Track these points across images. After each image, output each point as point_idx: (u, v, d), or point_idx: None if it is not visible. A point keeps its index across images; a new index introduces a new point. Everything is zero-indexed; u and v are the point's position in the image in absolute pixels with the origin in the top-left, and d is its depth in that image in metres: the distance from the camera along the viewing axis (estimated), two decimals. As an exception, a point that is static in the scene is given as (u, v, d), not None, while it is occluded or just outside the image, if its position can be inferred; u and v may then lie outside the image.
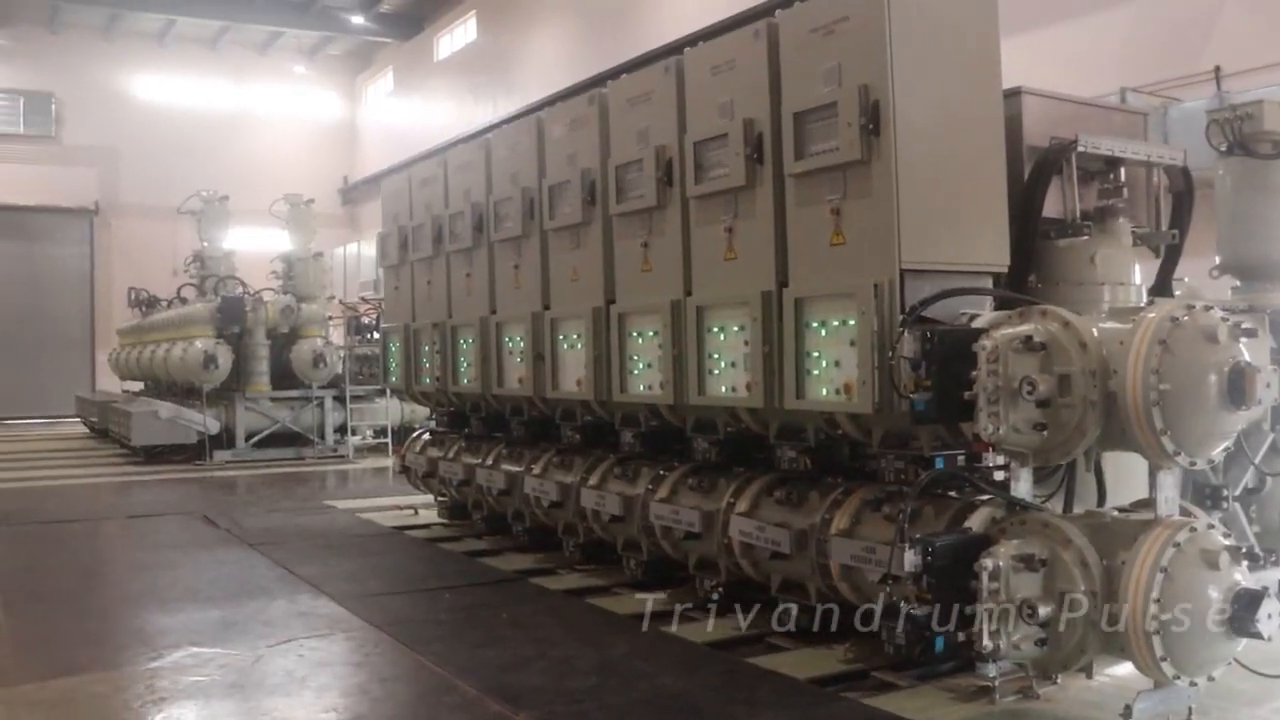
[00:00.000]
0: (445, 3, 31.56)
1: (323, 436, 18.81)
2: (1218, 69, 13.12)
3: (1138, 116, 7.05)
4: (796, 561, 6.30)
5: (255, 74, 36.05)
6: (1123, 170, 6.43)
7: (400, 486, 14.38)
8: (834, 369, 5.74)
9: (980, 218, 5.77)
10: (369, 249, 29.83)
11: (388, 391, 19.11)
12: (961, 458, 5.79)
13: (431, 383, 10.13)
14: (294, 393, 18.77)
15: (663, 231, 7.09)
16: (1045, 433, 4.76)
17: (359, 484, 15.46)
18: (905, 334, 5.13)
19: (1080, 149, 6.09)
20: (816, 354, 5.86)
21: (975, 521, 5.21)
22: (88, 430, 25.26)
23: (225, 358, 17.95)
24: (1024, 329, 4.85)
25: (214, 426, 18.00)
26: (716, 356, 6.61)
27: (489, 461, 9.76)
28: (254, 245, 26.81)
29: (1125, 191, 6.40)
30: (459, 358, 9.64)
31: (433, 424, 19.30)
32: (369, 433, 19.86)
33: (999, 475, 5.52)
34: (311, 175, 33.30)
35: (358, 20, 32.68)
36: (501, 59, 27.08)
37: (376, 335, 20.72)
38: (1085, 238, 6.15)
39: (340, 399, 18.99)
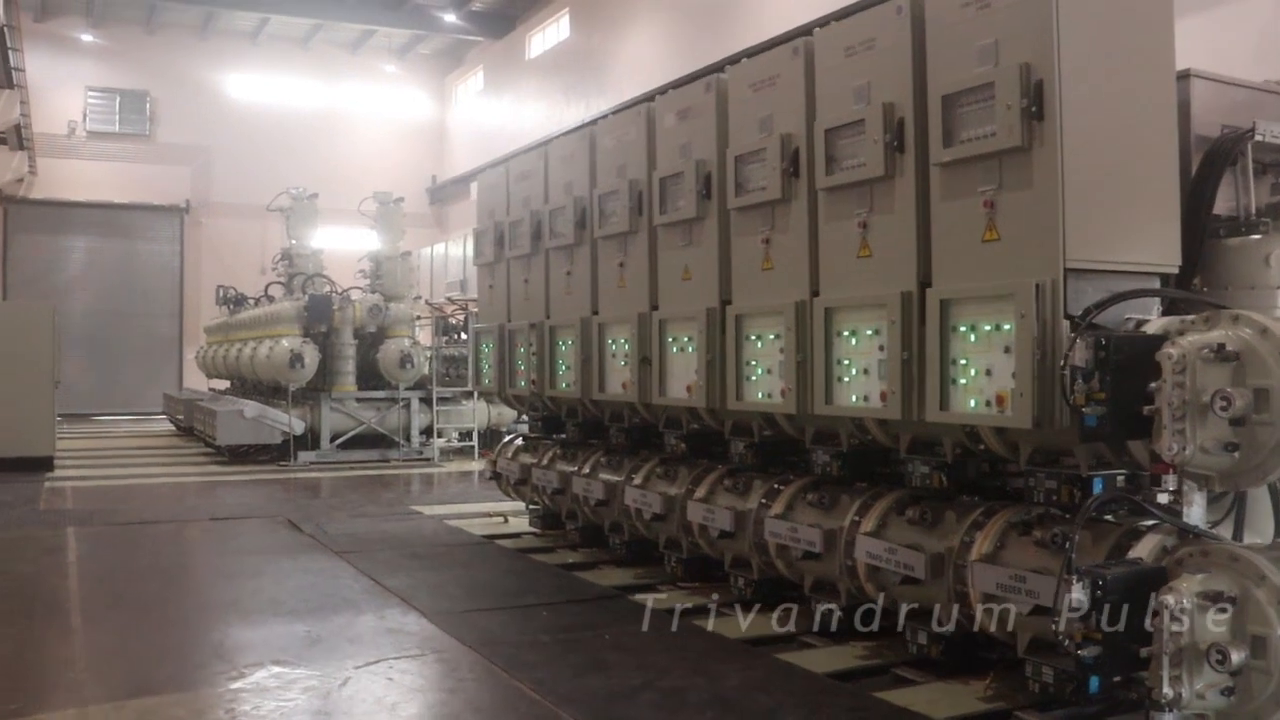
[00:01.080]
0: (537, 1, 31.28)
1: (408, 438, 18.50)
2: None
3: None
4: (929, 587, 5.70)
5: (346, 73, 36.13)
6: (1306, 163, 5.78)
7: (488, 492, 14.01)
8: (984, 378, 5.12)
9: (1150, 213, 5.13)
10: (456, 249, 29.63)
11: (476, 394, 18.78)
12: (1122, 478, 5.16)
13: (526, 386, 9.65)
14: (380, 394, 18.49)
15: (787, 227, 6.52)
16: (1237, 454, 4.14)
17: (445, 489, 15.08)
18: (1078, 340, 4.51)
19: (1257, 138, 5.44)
20: (964, 361, 5.23)
21: (1143, 551, 4.60)
22: (174, 428, 25.31)
23: (312, 357, 17.71)
24: (1214, 336, 4.22)
25: (299, 427, 17.77)
26: (846, 363, 6.01)
27: (586, 470, 9.27)
28: (342, 244, 26.80)
29: (1305, 186, 5.73)
30: (557, 360, 9.15)
31: (524, 428, 19.10)
32: (455, 435, 19.51)
33: (1162, 498, 4.89)
34: (400, 175, 33.30)
35: (449, 18, 32.55)
36: (594, 58, 26.67)
37: (464, 336, 20.49)
38: (1259, 237, 5.50)
39: (426, 400, 18.67)
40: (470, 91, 36.20)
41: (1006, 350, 5.01)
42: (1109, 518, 5.17)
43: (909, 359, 5.54)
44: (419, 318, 20.28)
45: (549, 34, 31.33)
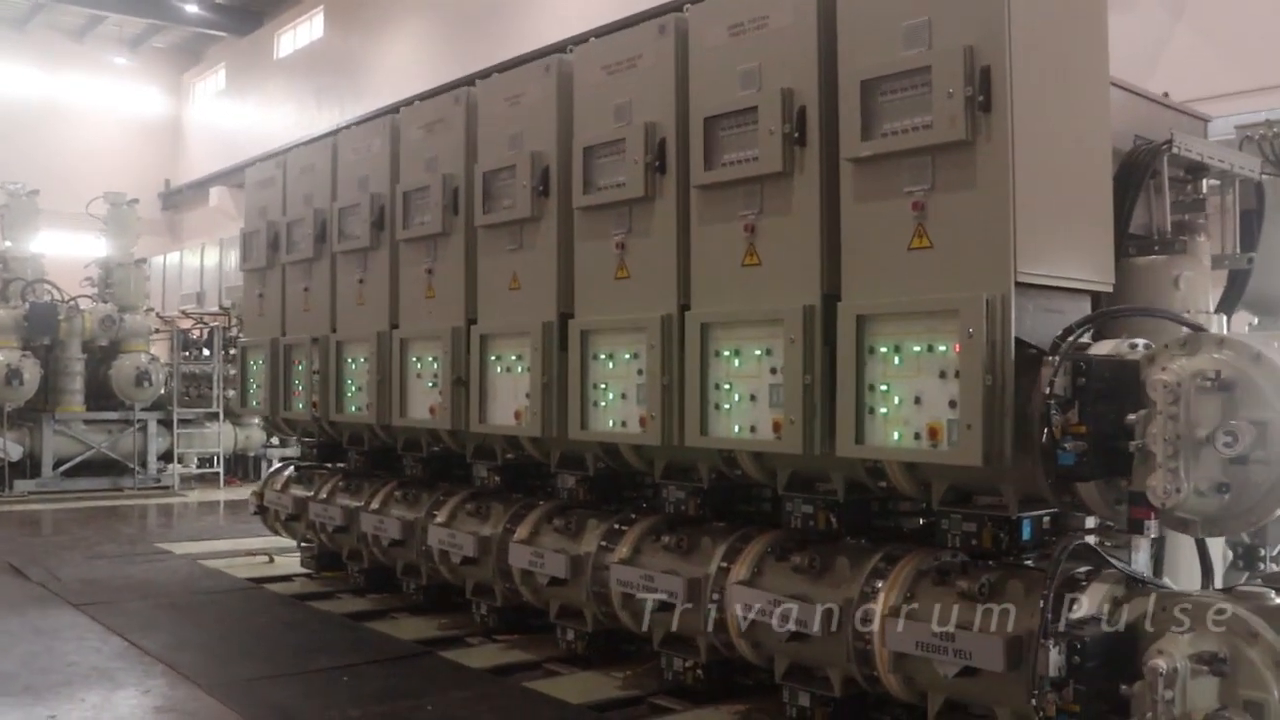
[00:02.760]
0: (288, -3, 29.46)
1: (144, 465, 16.62)
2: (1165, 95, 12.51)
3: (1199, 123, 6.07)
4: (823, 644, 4.98)
5: (70, 62, 32.99)
6: (1204, 182, 5.46)
7: (243, 526, 12.66)
8: (910, 407, 4.45)
9: (1088, 225, 4.62)
10: (193, 259, 27.50)
11: (221, 415, 17.13)
12: (1047, 519, 4.62)
13: (306, 409, 8.46)
14: (113, 414, 16.54)
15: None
16: (1227, 496, 3.63)
17: (192, 522, 13.48)
18: (1058, 364, 3.90)
19: (1174, 150, 5.06)
20: (885, 388, 4.55)
21: (1093, 604, 4.04)
22: None
23: (32, 372, 15.61)
24: (1202, 362, 3.70)
25: (15, 452, 15.64)
26: (728, 388, 5.25)
27: (376, 505, 8.18)
28: (62, 250, 24.16)
29: (1206, 205, 5.42)
30: (345, 380, 8.03)
31: (279, 452, 17.70)
32: (195, 461, 17.73)
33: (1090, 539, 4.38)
34: (129, 177, 30.45)
35: (191, 9, 30.15)
36: (351, 60, 25.16)
37: (206, 352, 18.73)
38: (1167, 257, 5.11)
39: (166, 423, 16.85)
40: (210, 91, 33.75)
41: (943, 375, 4.34)
42: (1028, 561, 4.61)
43: (810, 384, 4.81)
44: (156, 331, 18.38)
45: (300, 33, 29.49)
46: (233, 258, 25.66)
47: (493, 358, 6.65)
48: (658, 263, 5.61)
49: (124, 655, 6.66)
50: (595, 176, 5.91)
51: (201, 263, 27.11)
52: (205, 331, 18.50)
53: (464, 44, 21.87)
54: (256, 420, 17.80)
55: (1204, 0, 13.02)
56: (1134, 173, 4.97)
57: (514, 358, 6.48)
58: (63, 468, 16.06)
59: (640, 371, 5.62)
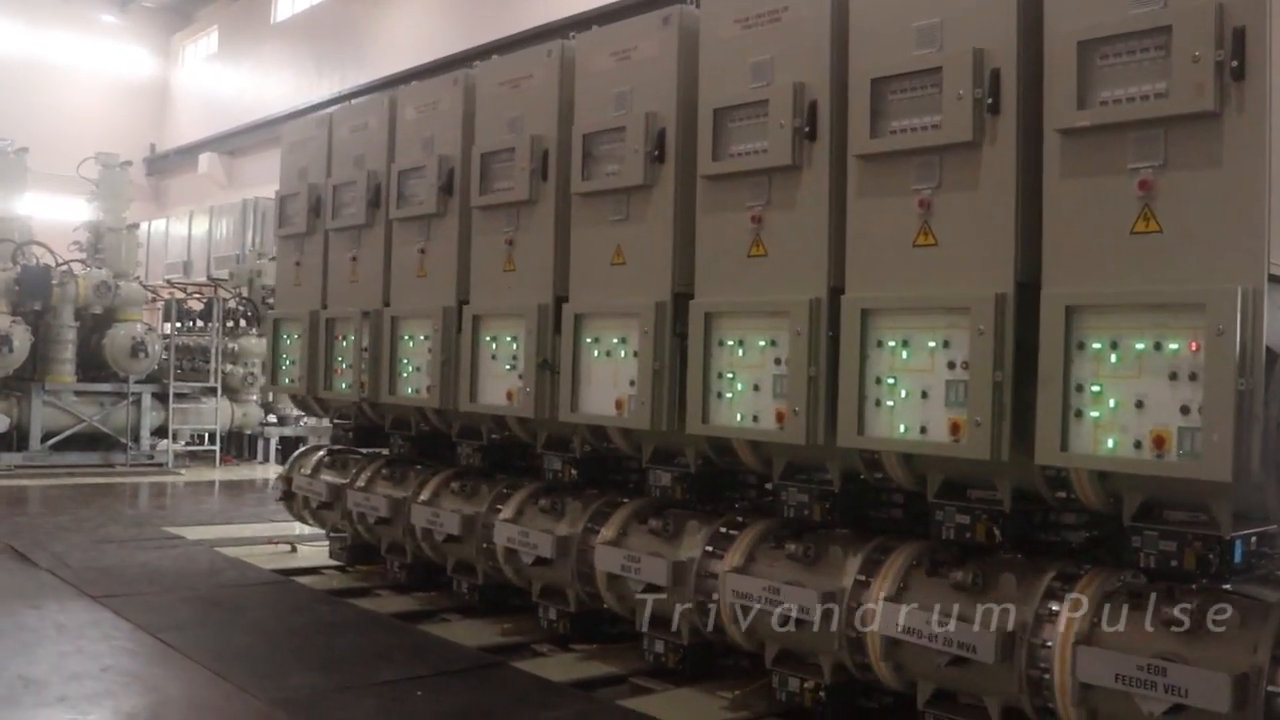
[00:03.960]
0: (285, -43, 28.43)
1: (137, 440, 15.81)
2: None
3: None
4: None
5: (56, 19, 31.83)
6: None
7: (249, 510, 12.04)
8: (1130, 412, 3.83)
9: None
10: (180, 227, 26.55)
11: (219, 390, 16.34)
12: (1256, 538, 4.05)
13: (352, 388, 7.75)
14: (105, 386, 15.71)
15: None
16: None
17: (196, 504, 12.70)
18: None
19: None
20: (1097, 390, 3.91)
21: None
22: None
23: (22, 339, 14.76)
24: None
25: (2, 424, 14.79)
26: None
27: (426, 496, 7.50)
28: (41, 213, 23.22)
29: None
30: (400, 359, 7.32)
31: (279, 431, 16.92)
32: (189, 438, 16.92)
33: None
34: (114, 140, 29.32)
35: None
36: (353, 27, 24.24)
37: (200, 323, 17.92)
38: None
39: (160, 396, 16.04)
40: (201, 54, 32.65)
41: (1173, 377, 3.73)
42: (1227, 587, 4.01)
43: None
44: (153, 299, 17.54)
45: (299, -4, 28.46)
46: (224, 227, 24.78)
47: (588, 340, 5.96)
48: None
49: (163, 659, 5.96)
50: (728, 143, 5.24)
51: (189, 231, 26.15)
52: (203, 301, 17.64)
53: (470, 10, 21.04)
54: (254, 397, 17.06)
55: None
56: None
57: (616, 340, 5.80)
58: (51, 441, 15.23)
59: (779, 363, 4.98)
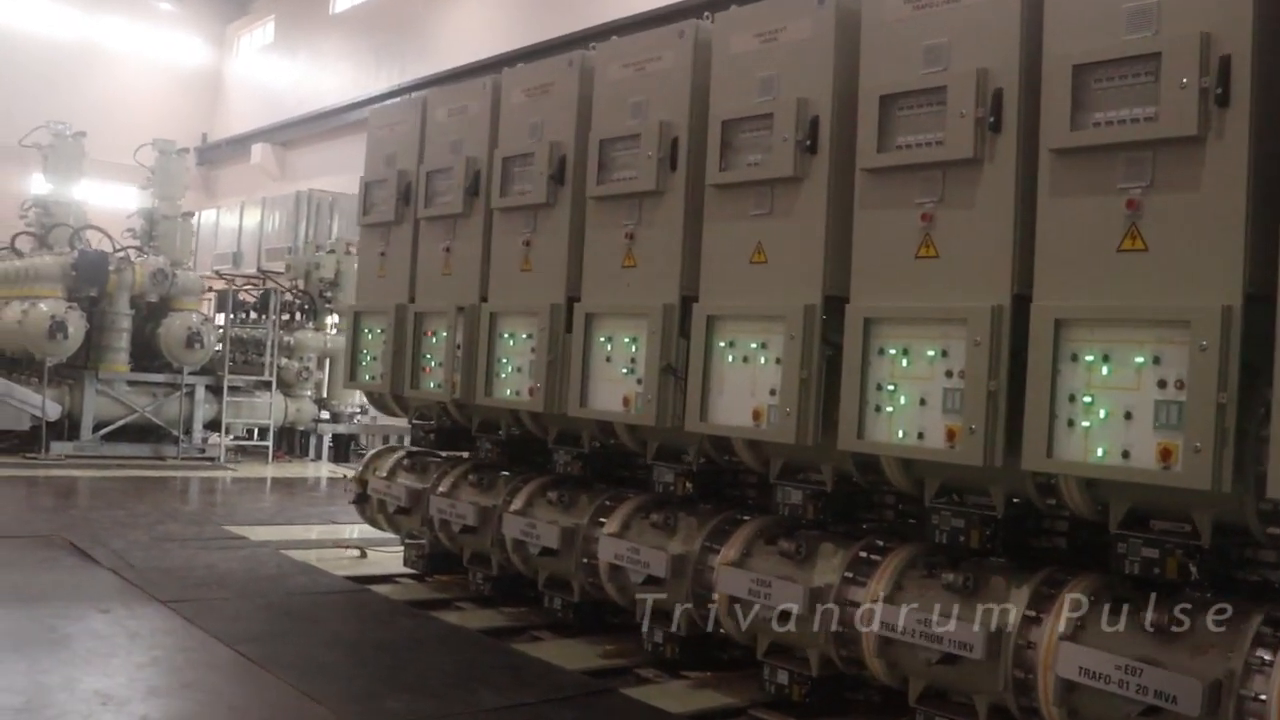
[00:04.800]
0: (343, -52, 28.02)
1: (188, 433, 15.41)
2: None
3: None
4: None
5: (111, 5, 31.64)
6: None
7: (311, 510, 11.65)
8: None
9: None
10: (230, 219, 26.26)
11: (274, 384, 15.93)
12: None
13: (442, 388, 7.26)
14: (159, 377, 15.33)
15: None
16: None
17: (252, 501, 12.26)
18: None
19: None
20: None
21: None
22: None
23: (77, 326, 14.41)
24: None
25: (54, 412, 14.46)
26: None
27: (519, 504, 7.01)
28: (93, 200, 22.98)
29: None
30: (499, 358, 6.82)
31: (331, 428, 16.47)
32: (241, 432, 16.54)
33: None
34: (166, 129, 28.81)
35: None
36: (414, 18, 23.81)
37: (255, 315, 17.55)
38: None
39: (214, 389, 15.64)
40: (256, 44, 32.38)
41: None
42: None
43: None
44: (210, 289, 17.18)
45: (361, -15, 28.01)
46: (276, 219, 24.46)
47: (721, 344, 5.45)
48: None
49: (245, 675, 5.49)
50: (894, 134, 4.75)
51: (241, 222, 25.85)
52: (258, 293, 17.24)
53: (538, 3, 20.58)
54: (308, 392, 16.66)
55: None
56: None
57: (755, 345, 5.28)
58: (103, 431, 14.86)
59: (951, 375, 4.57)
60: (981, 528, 4.57)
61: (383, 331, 7.88)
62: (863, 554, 5.09)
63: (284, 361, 16.27)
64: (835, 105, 5.03)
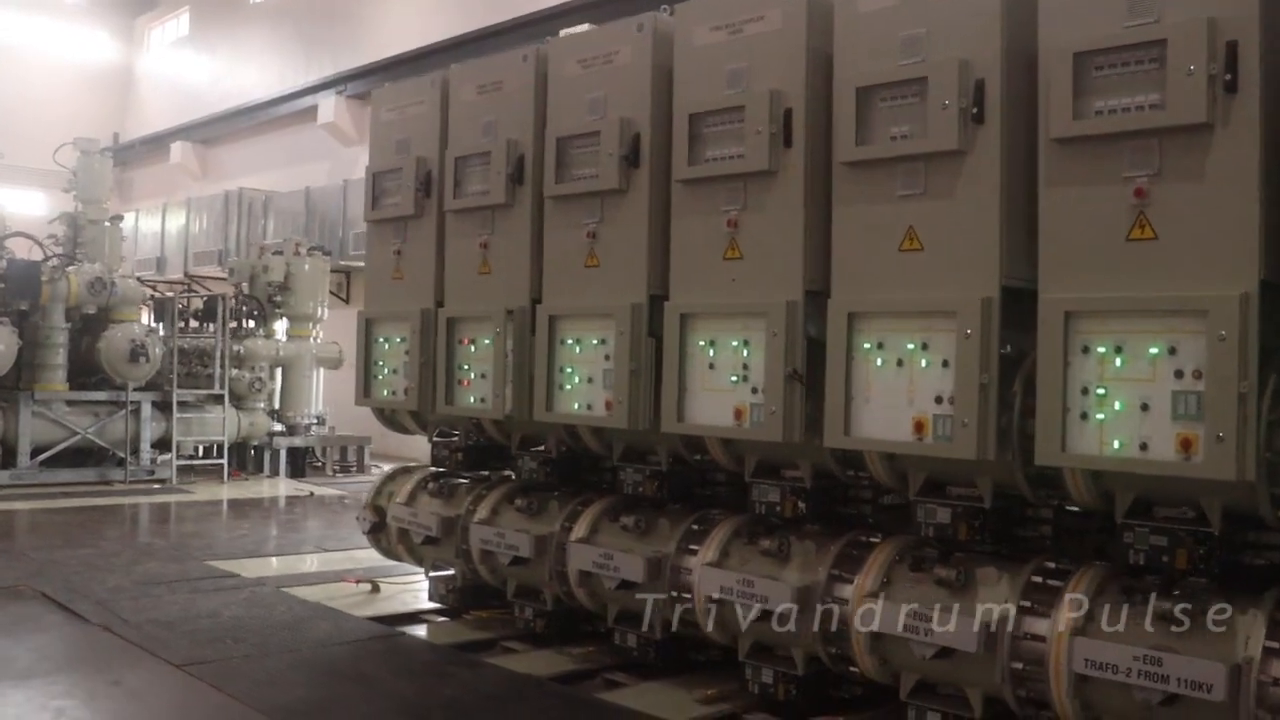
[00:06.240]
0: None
1: (135, 454, 14.22)
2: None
3: None
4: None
5: (10, -1, 29.78)
6: None
7: (291, 536, 10.70)
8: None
9: None
10: (151, 222, 24.90)
11: (226, 398, 14.80)
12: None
13: (489, 404, 6.37)
14: (100, 395, 14.10)
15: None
16: None
17: (225, 529, 11.17)
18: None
19: None
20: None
21: None
22: None
23: (9, 344, 13.13)
24: None
25: (-12, 438, 13.20)
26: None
27: (582, 533, 6.18)
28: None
29: None
30: (561, 367, 5.96)
31: (285, 441, 15.29)
32: (192, 450, 15.35)
33: None
34: (74, 129, 27.37)
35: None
36: (343, 5, 22.59)
37: (195, 324, 16.32)
38: None
39: (161, 405, 14.45)
40: (169, 38, 30.65)
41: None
42: None
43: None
44: (153, 297, 15.94)
45: (279, -24, 26.48)
46: (203, 220, 23.17)
47: (866, 345, 4.67)
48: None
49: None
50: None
51: (163, 225, 24.48)
52: (203, 300, 16.04)
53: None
54: (261, 404, 15.53)
55: None
56: None
57: (911, 346, 4.52)
58: (42, 457, 13.61)
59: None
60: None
61: (403, 340, 6.98)
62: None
63: (234, 372, 15.13)
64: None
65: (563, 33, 6.43)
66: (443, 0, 20.14)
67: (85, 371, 14.21)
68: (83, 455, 14.06)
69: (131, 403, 14.10)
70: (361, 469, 16.23)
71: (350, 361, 16.82)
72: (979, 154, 4.35)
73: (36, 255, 14.58)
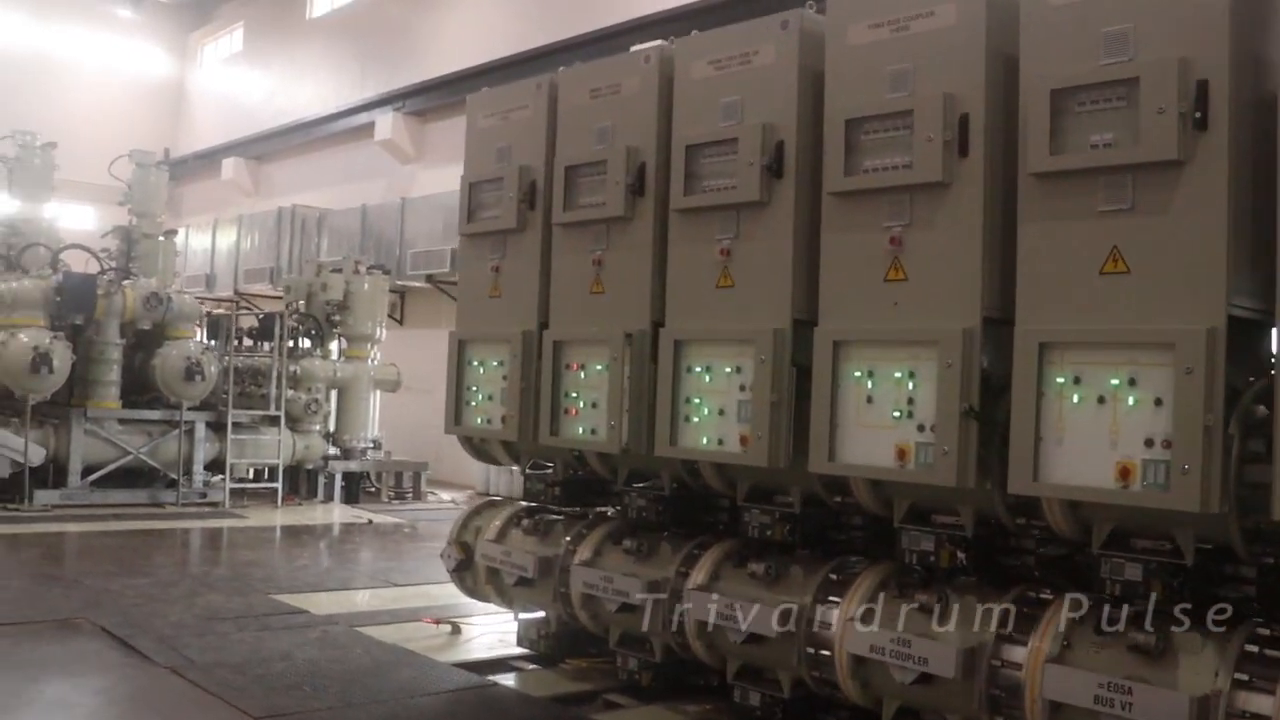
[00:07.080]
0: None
1: (188, 475, 13.75)
2: None
3: None
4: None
5: (65, 12, 29.62)
6: None
7: (349, 566, 10.19)
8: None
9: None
10: (201, 239, 24.57)
11: (282, 420, 14.32)
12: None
13: (604, 436, 5.80)
14: (154, 414, 13.65)
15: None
16: None
17: (284, 558, 10.64)
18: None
19: None
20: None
21: None
22: None
23: (63, 359, 12.70)
24: None
25: (38, 456, 12.73)
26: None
27: (701, 580, 5.59)
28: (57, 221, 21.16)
29: None
30: (687, 397, 5.39)
31: (339, 467, 14.82)
32: (245, 473, 14.86)
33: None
34: (125, 143, 27.18)
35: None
36: (402, 22, 22.15)
37: (251, 342, 15.85)
38: None
39: (216, 426, 13.99)
40: (222, 53, 30.46)
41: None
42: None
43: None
44: (208, 314, 15.52)
45: (339, -10, 26.00)
46: (254, 237, 22.81)
47: (1059, 379, 4.08)
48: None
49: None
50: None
51: (213, 242, 24.15)
52: (258, 318, 15.60)
53: (541, 4, 19.07)
54: (317, 427, 15.05)
55: None
56: None
57: (1116, 382, 3.94)
58: (93, 477, 13.15)
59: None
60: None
61: (500, 364, 6.43)
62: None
63: (290, 393, 14.65)
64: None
65: (663, 41, 5.86)
66: (502, 17, 19.72)
67: (137, 389, 13.78)
68: (133, 476, 13.61)
69: (186, 422, 13.64)
70: (418, 496, 15.69)
71: (408, 384, 16.58)
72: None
73: (90, 270, 14.24)
